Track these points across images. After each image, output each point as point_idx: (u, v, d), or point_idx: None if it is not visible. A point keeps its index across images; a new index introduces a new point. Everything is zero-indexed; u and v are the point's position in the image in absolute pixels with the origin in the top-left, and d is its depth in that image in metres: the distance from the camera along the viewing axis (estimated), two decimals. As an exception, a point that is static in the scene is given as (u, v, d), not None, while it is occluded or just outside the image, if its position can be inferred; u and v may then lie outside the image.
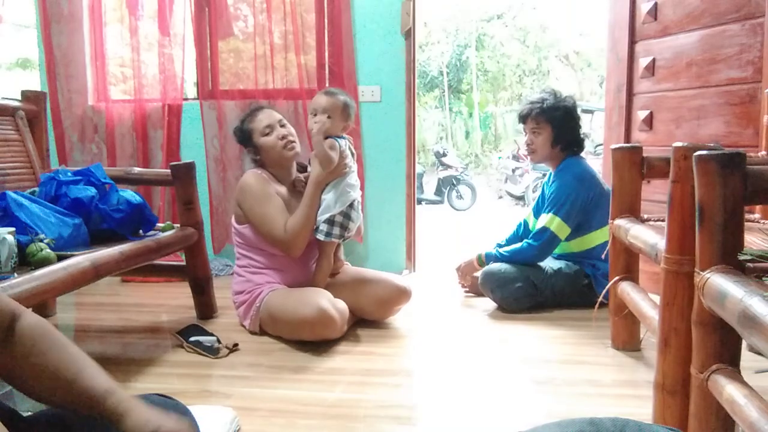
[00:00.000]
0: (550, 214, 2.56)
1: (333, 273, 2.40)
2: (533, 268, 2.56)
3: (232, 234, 2.40)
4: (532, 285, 2.53)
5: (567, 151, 2.67)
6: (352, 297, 2.29)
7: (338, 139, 2.31)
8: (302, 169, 2.49)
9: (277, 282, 2.29)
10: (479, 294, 2.73)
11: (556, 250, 2.67)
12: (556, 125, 2.61)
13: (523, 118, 2.71)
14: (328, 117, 2.29)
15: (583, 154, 2.76)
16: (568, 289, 2.56)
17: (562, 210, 2.54)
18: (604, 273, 2.44)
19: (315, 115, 2.31)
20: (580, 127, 2.70)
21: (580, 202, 2.55)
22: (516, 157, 10.13)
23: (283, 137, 2.32)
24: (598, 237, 2.57)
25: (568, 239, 2.60)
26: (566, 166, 2.64)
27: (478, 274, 2.67)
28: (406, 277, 3.15)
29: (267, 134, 2.32)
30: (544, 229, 2.56)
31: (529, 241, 2.61)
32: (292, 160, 2.38)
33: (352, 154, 2.38)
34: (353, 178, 2.36)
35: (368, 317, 2.36)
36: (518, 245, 2.65)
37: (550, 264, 2.61)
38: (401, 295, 2.35)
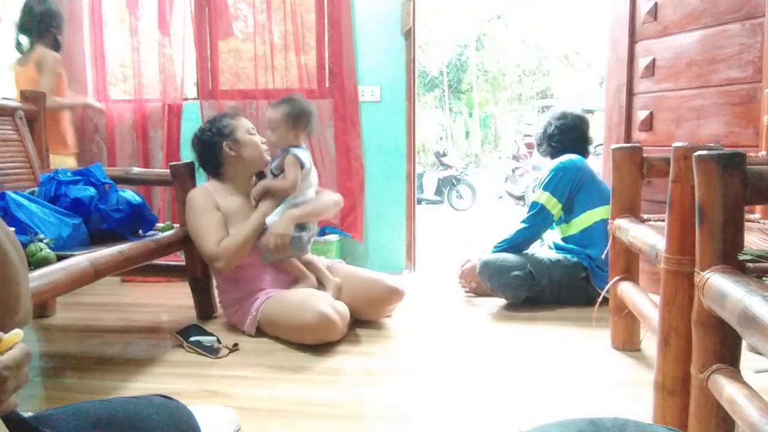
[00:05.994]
0: (539, 190, 2.65)
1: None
2: (532, 258, 2.59)
3: None
4: (529, 274, 2.54)
5: (567, 152, 2.73)
6: (345, 297, 2.28)
7: (293, 150, 2.31)
8: (258, 176, 2.46)
9: (262, 288, 2.28)
10: (480, 294, 2.74)
11: (554, 240, 2.72)
12: (557, 150, 2.76)
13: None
14: (272, 131, 2.34)
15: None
16: (565, 281, 2.57)
17: (550, 185, 2.62)
18: (600, 265, 2.45)
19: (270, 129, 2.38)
20: (583, 135, 2.80)
21: (568, 178, 2.61)
22: (516, 157, 10.12)
23: (263, 142, 2.39)
24: (590, 217, 2.60)
25: (561, 222, 2.66)
26: (560, 158, 2.72)
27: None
28: (405, 277, 3.16)
29: (251, 135, 2.38)
30: (534, 204, 2.64)
31: (522, 219, 2.68)
32: (263, 166, 2.41)
33: (303, 166, 2.32)
34: (301, 197, 2.35)
35: (361, 317, 2.35)
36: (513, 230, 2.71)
37: (548, 255, 2.63)
38: (393, 295, 2.35)
